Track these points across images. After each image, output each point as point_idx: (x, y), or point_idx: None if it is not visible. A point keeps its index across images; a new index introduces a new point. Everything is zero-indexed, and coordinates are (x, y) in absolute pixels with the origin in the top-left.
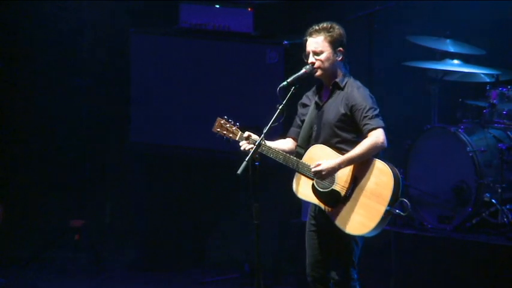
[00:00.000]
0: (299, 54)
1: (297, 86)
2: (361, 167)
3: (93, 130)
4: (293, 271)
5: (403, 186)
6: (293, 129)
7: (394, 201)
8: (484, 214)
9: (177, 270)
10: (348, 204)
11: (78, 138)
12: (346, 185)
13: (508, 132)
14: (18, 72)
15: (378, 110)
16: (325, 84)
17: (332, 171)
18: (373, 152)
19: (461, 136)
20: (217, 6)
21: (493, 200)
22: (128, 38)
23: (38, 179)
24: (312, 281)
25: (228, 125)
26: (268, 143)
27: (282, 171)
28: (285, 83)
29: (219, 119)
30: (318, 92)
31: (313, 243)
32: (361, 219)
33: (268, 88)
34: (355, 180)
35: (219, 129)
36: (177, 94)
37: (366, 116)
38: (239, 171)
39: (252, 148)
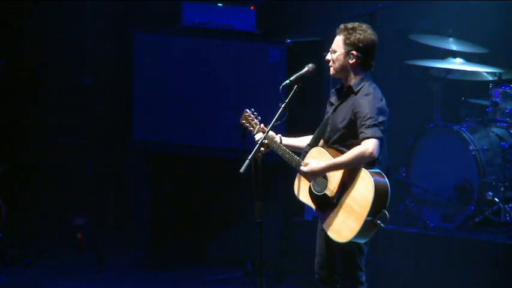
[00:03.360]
0: (302, 53)
1: (300, 84)
2: (349, 175)
3: (95, 128)
4: (296, 270)
5: (391, 196)
6: None
7: (376, 212)
8: (486, 213)
9: (180, 269)
10: (335, 210)
11: (80, 136)
12: (335, 191)
13: (511, 131)
14: (20, 71)
15: (382, 119)
16: (345, 85)
17: (316, 173)
18: (360, 161)
19: (464, 135)
20: (220, 4)
21: (496, 199)
22: (130, 36)
23: (41, 177)
24: (318, 279)
25: (251, 118)
26: (291, 139)
27: (285, 170)
28: (287, 81)
29: (245, 110)
30: (338, 93)
31: (321, 243)
32: (343, 226)
33: (271, 87)
34: (343, 187)
35: (244, 121)
36: (179, 92)
37: (364, 125)
38: (242, 170)
39: (266, 147)
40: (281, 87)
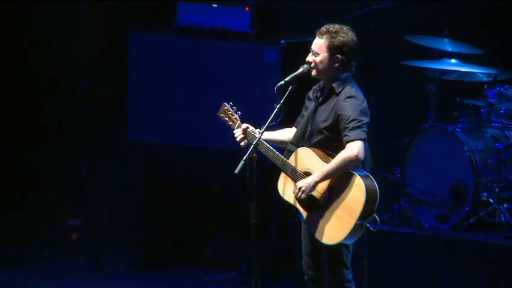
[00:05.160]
0: (296, 54)
1: (295, 85)
2: (339, 178)
3: (90, 129)
4: (290, 270)
5: (380, 200)
6: (299, 119)
7: (366, 215)
8: (481, 213)
9: (175, 269)
10: (323, 213)
11: (75, 137)
12: (323, 193)
13: (506, 132)
14: (14, 72)
15: (365, 121)
16: (326, 85)
17: (312, 187)
18: (348, 165)
19: (459, 135)
20: (215, 5)
21: (490, 199)
22: (125, 37)
23: (36, 178)
24: (307, 279)
25: (230, 112)
26: (269, 133)
27: (280, 170)
28: (282, 82)
29: (224, 104)
30: (320, 91)
31: (307, 243)
32: (332, 229)
33: (266, 87)
34: (332, 190)
35: (222, 114)
36: (174, 93)
37: (347, 127)
38: (237, 170)
39: (246, 142)
40: (276, 88)
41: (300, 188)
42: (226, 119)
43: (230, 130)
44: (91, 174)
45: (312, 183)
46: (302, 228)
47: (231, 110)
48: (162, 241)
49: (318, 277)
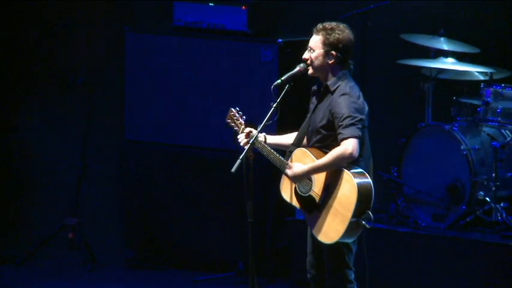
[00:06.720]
0: (293, 53)
1: (291, 84)
2: (332, 176)
3: (87, 127)
4: (287, 270)
5: (375, 197)
6: None
7: (360, 213)
8: (478, 212)
9: (171, 269)
10: (321, 212)
11: (72, 135)
12: (319, 193)
13: (502, 130)
14: (12, 70)
15: (359, 117)
16: (322, 84)
17: (299, 177)
18: (341, 162)
19: (456, 134)
20: (212, 4)
21: (487, 198)
22: (122, 36)
23: (32, 176)
24: (310, 278)
25: (235, 117)
26: (277, 137)
27: (276, 169)
28: (279, 81)
29: (230, 109)
30: (317, 92)
31: (311, 242)
32: (329, 228)
33: (263, 86)
34: (327, 189)
35: (229, 120)
36: (171, 92)
37: (341, 125)
38: (233, 169)
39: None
40: (272, 86)
41: (289, 173)
42: (233, 124)
43: (236, 135)
44: (87, 173)
45: (302, 173)
46: (308, 227)
47: (237, 115)
48: (159, 240)
49: (320, 276)
